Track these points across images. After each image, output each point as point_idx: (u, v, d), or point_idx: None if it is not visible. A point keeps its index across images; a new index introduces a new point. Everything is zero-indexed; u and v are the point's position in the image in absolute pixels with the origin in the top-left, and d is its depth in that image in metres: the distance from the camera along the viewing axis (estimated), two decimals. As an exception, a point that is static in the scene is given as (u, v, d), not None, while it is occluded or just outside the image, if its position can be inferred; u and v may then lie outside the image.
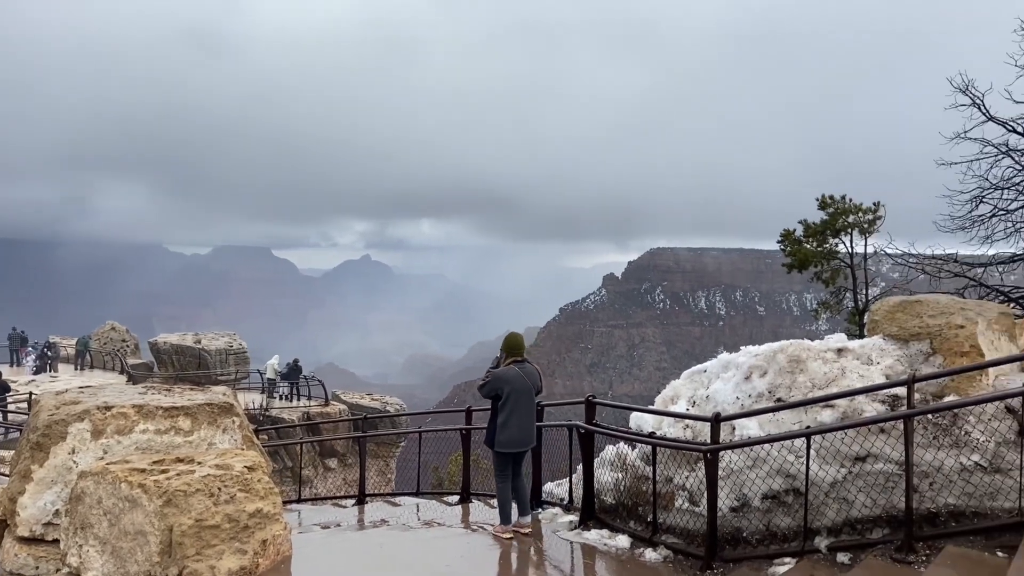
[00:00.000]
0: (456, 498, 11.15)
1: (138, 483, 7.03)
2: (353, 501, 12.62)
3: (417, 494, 12.36)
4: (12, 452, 11.08)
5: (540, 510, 9.52)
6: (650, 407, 8.50)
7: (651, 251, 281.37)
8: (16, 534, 7.87)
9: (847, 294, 21.83)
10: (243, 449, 8.71)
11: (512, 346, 8.45)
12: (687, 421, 7.98)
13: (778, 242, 22.49)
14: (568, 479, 9.54)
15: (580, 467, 9.00)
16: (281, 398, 33.51)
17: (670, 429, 8.20)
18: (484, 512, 10.17)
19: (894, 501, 6.34)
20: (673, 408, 8.42)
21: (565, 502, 9.41)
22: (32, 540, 7.78)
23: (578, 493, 8.99)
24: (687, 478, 7.61)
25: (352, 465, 29.14)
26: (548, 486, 10.17)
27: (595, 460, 8.88)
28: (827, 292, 22.67)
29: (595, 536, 7.97)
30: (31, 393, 23.67)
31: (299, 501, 13.97)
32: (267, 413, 30.06)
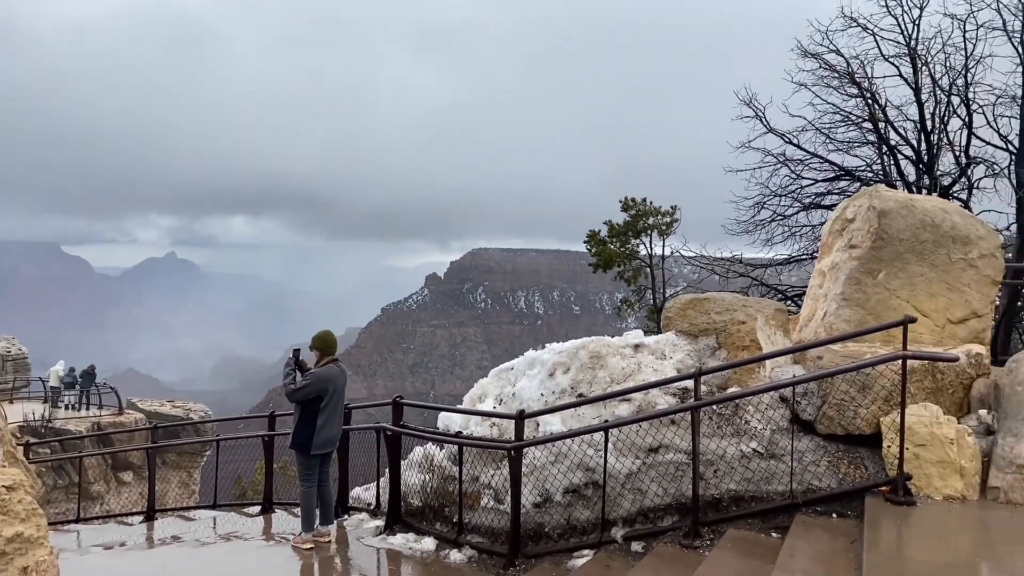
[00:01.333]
0: (257, 508, 10.55)
1: None
2: (141, 518, 11.59)
3: (215, 507, 11.57)
4: None
5: (346, 516, 9.20)
6: (458, 406, 8.44)
7: (472, 252, 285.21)
8: None
9: (647, 292, 23.22)
10: (3, 466, 7.73)
11: (330, 344, 8.20)
12: (494, 419, 7.98)
13: (584, 242, 23.54)
14: (376, 483, 9.28)
15: (388, 470, 8.78)
16: (67, 408, 30.39)
17: (477, 428, 8.17)
18: (287, 522, 9.67)
19: (683, 489, 6.65)
20: (481, 407, 8.40)
21: (372, 507, 9.14)
22: None
23: (386, 497, 8.76)
24: (493, 476, 7.61)
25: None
26: (356, 491, 9.86)
27: (403, 462, 8.69)
28: (630, 291, 24.01)
29: (400, 540, 7.78)
30: None
31: (79, 520, 12.64)
32: (50, 425, 27.16)
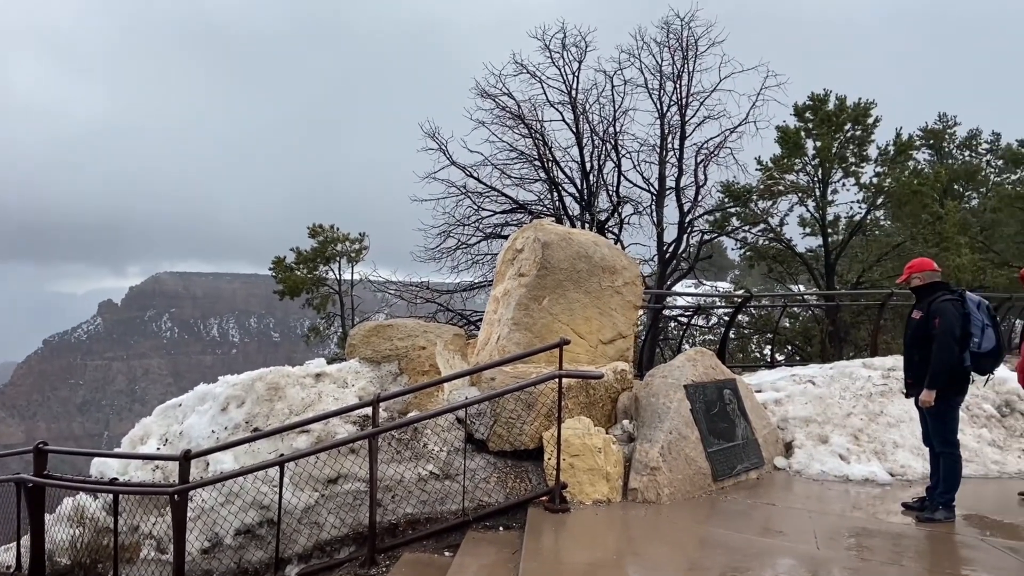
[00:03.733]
0: None
1: None
2: None
3: None
4: None
5: (-28, 588, 7.80)
6: (115, 450, 7.60)
7: (156, 276, 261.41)
8: None
9: (336, 319, 23.11)
10: None
11: None
12: (157, 462, 7.31)
13: (270, 269, 22.77)
14: (16, 543, 7.98)
15: (30, 527, 7.61)
16: None
17: (138, 472, 7.44)
18: None
19: (361, 518, 6.62)
20: (143, 448, 7.66)
21: (11, 570, 7.85)
22: None
23: (28, 559, 7.58)
24: (155, 524, 6.95)
25: None
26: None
27: (51, 517, 7.60)
28: (319, 318, 23.70)
29: (40, 610, 6.76)
30: None
31: None
32: None
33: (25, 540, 7.88)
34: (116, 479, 7.12)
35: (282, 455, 6.81)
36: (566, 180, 18.66)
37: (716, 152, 19.31)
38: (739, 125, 19.19)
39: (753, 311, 20.30)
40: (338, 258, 22.28)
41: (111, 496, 7.00)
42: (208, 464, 7.01)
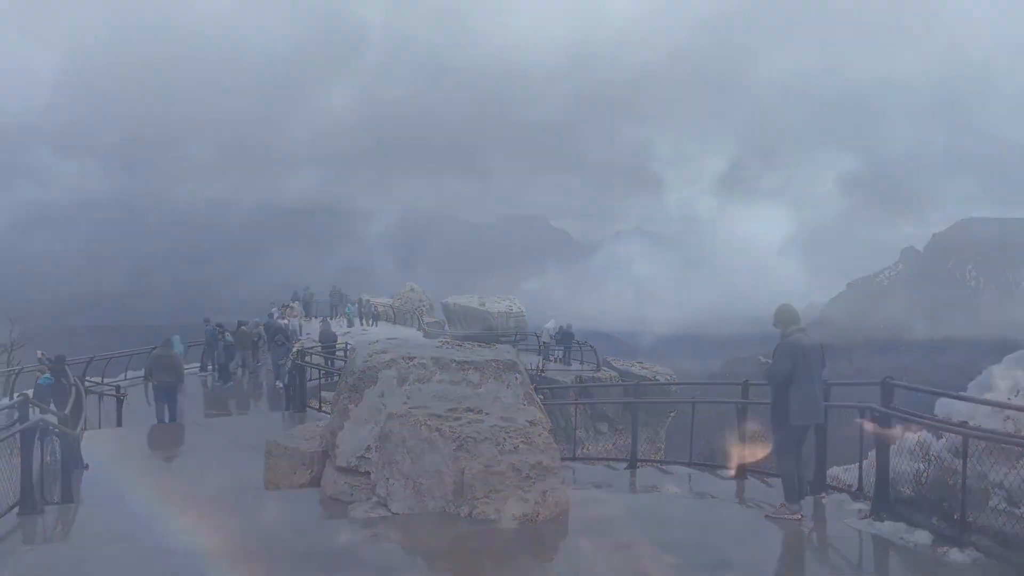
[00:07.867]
0: (730, 473, 10.82)
1: (435, 427, 7.74)
2: (625, 465, 12.78)
3: (689, 464, 12.18)
4: (334, 393, 12.83)
5: (824, 495, 8.96)
6: (961, 393, 7.57)
7: (961, 222, 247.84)
8: (336, 464, 9.10)
9: None
10: (524, 405, 9.23)
11: (793, 316, 8.10)
12: (1008, 412, 6.98)
13: None
14: (859, 465, 8.83)
15: (872, 453, 8.29)
16: (555, 361, 34.73)
17: (985, 420, 7.24)
18: (760, 490, 9.75)
19: None
20: (989, 396, 7.42)
21: (854, 489, 8.74)
22: (348, 470, 8.93)
23: (868, 481, 8.30)
24: (1005, 476, 6.67)
25: (622, 431, 29.52)
26: (834, 470, 9.52)
27: (893, 448, 8.12)
28: None
29: (889, 528, 7.30)
30: (346, 343, 26.91)
31: (573, 459, 14.47)
32: (543, 374, 31.29)
33: (864, 464, 8.62)
34: (965, 423, 7.08)
35: None
36: None
37: None
38: None
39: None
40: None
41: (957, 438, 7.03)
42: (1071, 425, 6.36)
